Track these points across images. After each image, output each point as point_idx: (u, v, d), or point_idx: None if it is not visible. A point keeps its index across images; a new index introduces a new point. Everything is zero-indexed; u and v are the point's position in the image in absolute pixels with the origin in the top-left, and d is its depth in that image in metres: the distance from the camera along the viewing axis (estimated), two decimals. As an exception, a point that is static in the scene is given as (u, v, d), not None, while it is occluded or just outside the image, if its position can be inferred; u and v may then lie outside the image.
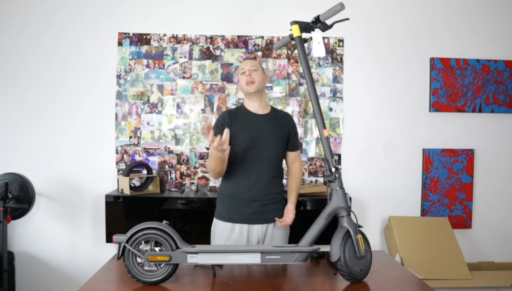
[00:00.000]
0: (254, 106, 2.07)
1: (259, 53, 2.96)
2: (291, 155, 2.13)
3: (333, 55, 3.00)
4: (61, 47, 2.92)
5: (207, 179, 2.96)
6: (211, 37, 2.96)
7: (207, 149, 2.95)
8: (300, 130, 2.97)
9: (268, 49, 2.97)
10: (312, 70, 2.96)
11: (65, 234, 2.94)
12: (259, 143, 2.00)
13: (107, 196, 2.68)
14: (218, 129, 1.98)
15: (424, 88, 3.04)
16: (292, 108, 2.98)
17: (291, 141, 2.11)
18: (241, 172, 2.02)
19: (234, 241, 2.01)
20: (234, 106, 2.94)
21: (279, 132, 2.06)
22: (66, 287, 2.90)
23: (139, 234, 1.59)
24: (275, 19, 2.95)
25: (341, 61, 3.00)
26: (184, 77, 2.95)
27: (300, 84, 2.99)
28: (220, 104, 2.96)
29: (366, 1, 3.01)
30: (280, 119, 2.09)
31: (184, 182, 2.95)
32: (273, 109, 2.14)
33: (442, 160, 3.03)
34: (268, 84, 2.96)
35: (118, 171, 2.94)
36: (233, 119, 2.03)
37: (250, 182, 2.00)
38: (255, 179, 2.00)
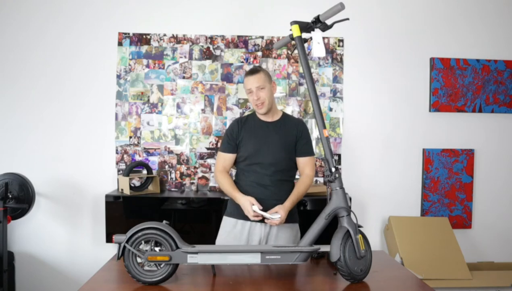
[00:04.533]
0: (264, 115, 2.12)
1: (259, 53, 2.96)
2: (299, 160, 2.11)
3: (333, 55, 3.00)
4: (61, 47, 2.92)
5: (207, 179, 2.96)
6: (211, 37, 2.96)
7: (207, 149, 2.95)
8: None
9: (268, 49, 2.97)
10: (312, 70, 2.96)
11: (65, 234, 2.94)
12: (264, 149, 2.06)
13: (107, 196, 2.68)
14: (227, 139, 2.13)
15: (424, 88, 3.04)
16: (292, 108, 2.98)
17: (299, 147, 2.09)
18: (247, 175, 2.10)
19: (234, 237, 2.05)
20: (234, 106, 2.95)
21: (285, 138, 2.07)
22: (66, 287, 2.89)
23: (139, 234, 1.59)
24: (275, 19, 2.95)
25: (341, 61, 3.00)
26: (184, 77, 2.95)
27: (300, 84, 2.99)
28: (220, 104, 2.96)
29: (366, 1, 3.01)
30: (288, 126, 2.11)
31: (184, 182, 2.95)
32: (285, 116, 2.16)
33: (442, 160, 3.03)
34: (268, 84, 2.96)
35: (118, 171, 2.94)
36: (241, 128, 2.12)
37: (255, 185, 2.06)
38: (260, 182, 2.05)
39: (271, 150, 2.06)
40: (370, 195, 3.02)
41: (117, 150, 2.94)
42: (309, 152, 2.12)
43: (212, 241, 2.19)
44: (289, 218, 2.02)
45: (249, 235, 2.05)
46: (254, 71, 2.06)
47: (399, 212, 3.02)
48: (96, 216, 2.92)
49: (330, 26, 1.84)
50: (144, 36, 2.94)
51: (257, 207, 1.92)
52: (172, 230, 1.61)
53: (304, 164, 2.11)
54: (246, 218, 2.02)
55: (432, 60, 3.01)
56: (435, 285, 2.52)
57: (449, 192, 3.03)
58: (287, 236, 2.06)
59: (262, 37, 2.97)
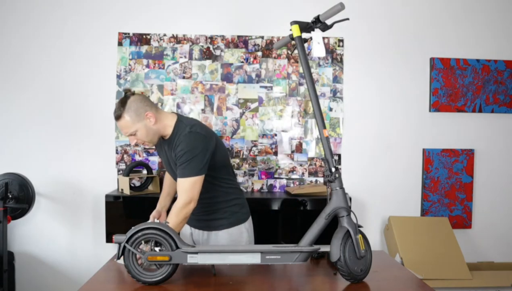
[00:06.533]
0: None
1: (259, 53, 2.96)
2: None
3: (333, 55, 3.00)
4: (61, 47, 2.92)
5: (207, 179, 2.95)
6: (211, 37, 2.96)
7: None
8: (300, 130, 2.98)
9: (268, 49, 2.97)
10: (312, 70, 2.96)
11: (65, 234, 2.94)
12: (168, 169, 2.00)
13: (107, 196, 2.68)
14: None
15: (424, 88, 3.04)
16: (292, 108, 2.98)
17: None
18: None
19: (182, 236, 2.05)
20: (234, 106, 2.95)
21: (172, 155, 1.86)
22: (66, 287, 2.90)
23: (139, 234, 1.59)
24: (275, 19, 2.95)
25: (341, 61, 3.00)
26: (184, 77, 2.95)
27: (300, 84, 2.99)
28: (220, 104, 2.96)
29: (366, 1, 3.01)
30: (173, 141, 1.84)
31: (184, 182, 2.95)
32: (175, 131, 1.85)
33: (442, 160, 3.03)
34: (268, 84, 2.96)
35: (118, 171, 2.94)
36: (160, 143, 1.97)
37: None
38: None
39: (169, 168, 1.96)
40: (370, 195, 3.02)
41: (117, 150, 2.94)
42: (182, 173, 1.77)
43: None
44: (223, 224, 1.97)
45: (193, 237, 2.05)
46: (117, 117, 1.79)
47: (399, 212, 3.02)
48: (96, 216, 2.92)
49: (330, 26, 1.84)
50: (144, 36, 2.94)
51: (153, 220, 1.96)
52: (172, 230, 1.61)
53: (178, 186, 1.80)
54: (187, 222, 1.92)
55: (432, 60, 3.01)
56: (435, 285, 2.52)
57: (449, 192, 3.03)
58: (224, 242, 1.98)
59: (262, 37, 2.97)
